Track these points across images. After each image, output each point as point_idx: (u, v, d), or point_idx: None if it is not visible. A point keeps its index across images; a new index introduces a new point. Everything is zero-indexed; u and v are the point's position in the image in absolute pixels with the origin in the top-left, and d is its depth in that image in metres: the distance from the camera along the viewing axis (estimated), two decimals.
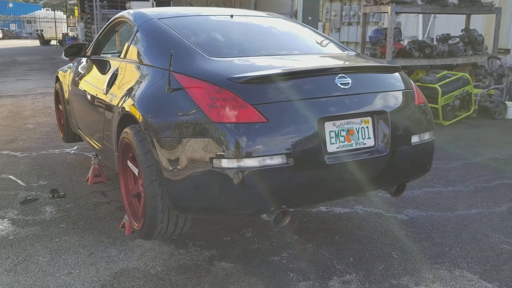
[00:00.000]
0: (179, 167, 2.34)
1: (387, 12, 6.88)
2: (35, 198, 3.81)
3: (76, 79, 4.00)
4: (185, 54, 2.64)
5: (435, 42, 8.21)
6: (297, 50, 3.09)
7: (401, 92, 2.72)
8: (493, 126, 7.07)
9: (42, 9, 43.19)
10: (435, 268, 2.82)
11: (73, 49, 3.89)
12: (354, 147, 2.48)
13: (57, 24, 35.73)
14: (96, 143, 3.58)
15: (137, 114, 2.56)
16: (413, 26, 11.91)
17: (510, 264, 2.88)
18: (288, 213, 2.41)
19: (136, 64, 2.96)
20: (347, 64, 2.79)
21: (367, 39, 7.87)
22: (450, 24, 10.08)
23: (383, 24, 12.36)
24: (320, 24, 15.34)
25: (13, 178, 4.32)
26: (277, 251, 3.00)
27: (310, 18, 16.06)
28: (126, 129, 2.69)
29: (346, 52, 3.20)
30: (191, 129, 2.30)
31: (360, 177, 2.50)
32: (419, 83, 7.25)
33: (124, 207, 3.05)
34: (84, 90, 3.68)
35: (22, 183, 4.18)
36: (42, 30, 34.35)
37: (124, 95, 2.82)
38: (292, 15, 16.64)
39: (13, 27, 43.70)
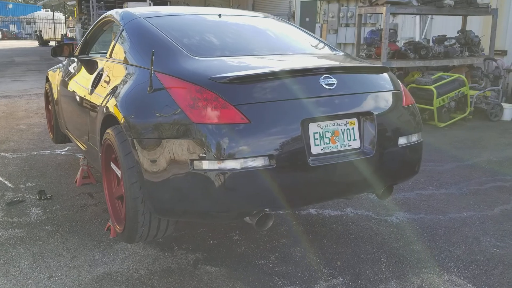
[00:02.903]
0: (159, 169, 2.29)
1: (382, 13, 6.83)
2: (21, 200, 3.77)
3: (65, 79, 3.95)
4: (168, 53, 2.60)
5: (431, 44, 8.17)
6: (284, 50, 3.05)
7: (388, 93, 2.67)
8: (489, 128, 7.02)
9: (42, 10, 43.12)
10: (424, 272, 2.77)
11: (59, 49, 3.84)
12: (339, 148, 2.43)
13: (56, 25, 35.68)
14: (82, 144, 3.53)
15: (119, 115, 2.52)
16: (410, 27, 11.87)
17: (500, 268, 2.83)
18: (271, 217, 2.36)
19: (121, 63, 2.91)
20: (332, 64, 2.74)
21: (362, 41, 7.82)
22: (447, 26, 10.04)
23: (380, 25, 12.31)
24: (317, 25, 15.31)
25: (1, 179, 4.27)
26: (264, 254, 2.95)
27: (307, 19, 16.03)
28: (108, 130, 2.65)
29: (334, 53, 3.15)
30: (171, 130, 2.25)
31: (346, 179, 2.45)
32: (414, 85, 7.22)
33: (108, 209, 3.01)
34: (72, 90, 3.64)
35: (10, 185, 4.14)
36: (41, 31, 34.30)
37: (108, 95, 2.78)
38: (290, 17, 16.61)
39: (12, 28, 43.63)
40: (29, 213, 3.52)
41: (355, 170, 2.44)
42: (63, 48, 3.85)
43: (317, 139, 2.36)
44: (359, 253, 2.99)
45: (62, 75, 4.08)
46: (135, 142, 2.38)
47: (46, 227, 3.28)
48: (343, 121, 2.45)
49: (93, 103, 3.04)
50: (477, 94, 7.49)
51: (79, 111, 3.40)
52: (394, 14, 12.79)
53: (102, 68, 3.15)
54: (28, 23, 42.38)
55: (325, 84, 2.40)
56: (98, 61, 3.37)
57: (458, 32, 8.33)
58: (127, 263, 2.80)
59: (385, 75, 2.77)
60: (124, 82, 2.70)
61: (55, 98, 4.33)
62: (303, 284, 2.62)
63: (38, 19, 40.75)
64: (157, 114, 2.33)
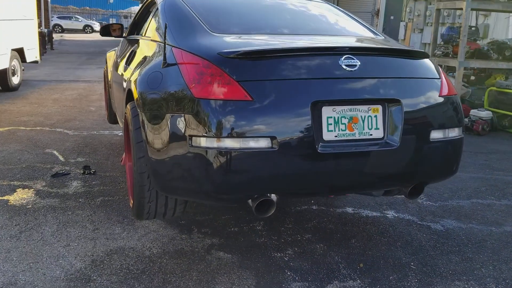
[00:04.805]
0: (161, 144, 2.23)
1: (461, 9, 6.30)
2: (66, 173, 3.92)
3: (115, 60, 4.06)
4: (190, 29, 2.53)
5: None
6: (313, 31, 2.85)
7: (422, 80, 2.39)
8: None
9: (139, 4, 45.69)
10: (456, 285, 2.46)
11: (107, 29, 3.93)
12: (357, 137, 2.21)
13: None
14: (120, 122, 3.59)
15: (135, 90, 2.50)
16: (502, 29, 10.92)
17: None
18: (273, 203, 2.20)
19: (149, 40, 2.90)
20: (358, 45, 2.50)
21: (439, 38, 7.28)
22: None
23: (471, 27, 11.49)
24: (402, 24, 14.62)
25: (55, 153, 4.49)
26: (282, 247, 2.79)
27: (392, 17, 15.37)
28: (127, 105, 2.64)
29: (374, 36, 2.89)
30: (174, 105, 2.17)
31: (363, 172, 2.21)
32: (494, 88, 6.60)
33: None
34: (116, 69, 3.72)
35: (61, 158, 4.33)
36: None
37: (132, 72, 2.78)
38: (374, 14, 16.04)
39: (111, 21, 46.67)
40: (69, 185, 3.65)
41: (375, 162, 2.20)
42: (110, 28, 3.93)
43: (330, 124, 2.15)
44: (387, 257, 2.73)
45: (115, 57, 4.20)
46: (142, 115, 2.34)
47: (80, 199, 3.38)
48: (365, 107, 2.22)
49: (124, 79, 3.07)
50: None
51: (118, 88, 3.46)
52: (485, 15, 11.89)
53: (136, 46, 3.18)
54: (125, 17, 45.03)
55: (345, 65, 2.19)
56: (136, 40, 3.40)
57: None
58: (143, 241, 2.79)
59: (423, 61, 2.48)
60: (146, 58, 2.69)
61: (109, 79, 4.47)
62: (314, 282, 2.44)
63: (135, 13, 43.17)
64: (164, 89, 2.27)
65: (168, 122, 2.18)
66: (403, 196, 3.58)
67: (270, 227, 3.05)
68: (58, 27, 34.24)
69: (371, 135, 2.24)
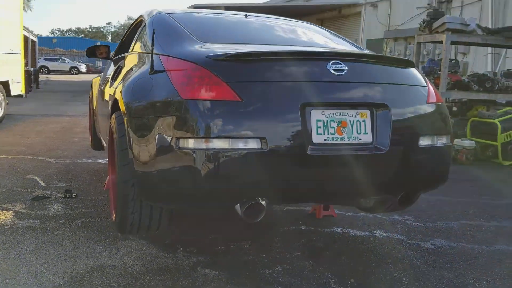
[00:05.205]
0: (146, 149, 2.17)
1: (441, 41, 6.49)
2: (47, 196, 3.80)
3: (100, 82, 4.04)
4: (177, 39, 2.53)
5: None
6: (301, 43, 2.88)
7: (409, 86, 2.40)
8: None
9: None
10: None
11: (93, 50, 3.89)
12: (346, 141, 2.19)
13: None
14: (104, 140, 3.53)
15: (120, 98, 2.46)
16: (481, 66, 11.27)
17: None
18: (262, 208, 2.14)
19: (136, 54, 2.90)
20: (345, 51, 2.53)
21: (421, 70, 7.45)
22: None
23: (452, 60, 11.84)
24: None
25: (36, 178, 4.38)
26: (271, 264, 2.70)
27: None
28: (113, 115, 2.60)
29: (359, 50, 2.93)
30: (160, 107, 2.14)
31: (353, 176, 2.18)
32: (476, 118, 6.71)
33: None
34: (101, 89, 3.69)
35: (42, 183, 4.22)
36: None
37: (119, 83, 2.75)
38: None
39: (98, 63, 47.03)
40: (49, 208, 3.53)
41: (364, 167, 2.17)
42: (96, 50, 3.88)
43: (320, 127, 2.13)
44: (378, 274, 2.66)
45: (100, 79, 4.18)
46: (126, 121, 2.30)
47: (60, 221, 3.26)
48: (353, 111, 2.21)
49: (109, 94, 3.04)
50: None
51: (104, 104, 3.41)
52: (464, 53, 12.26)
53: (123, 62, 3.17)
54: None
55: (333, 70, 2.20)
56: (122, 57, 3.39)
57: None
58: (125, 259, 2.67)
59: (409, 70, 2.51)
60: (133, 69, 2.67)
61: (93, 103, 4.43)
62: None
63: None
64: (150, 93, 2.25)
65: (154, 125, 2.14)
66: (392, 215, 3.57)
67: (258, 246, 2.96)
68: (44, 69, 34.36)
69: (360, 139, 2.22)
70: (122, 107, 2.41)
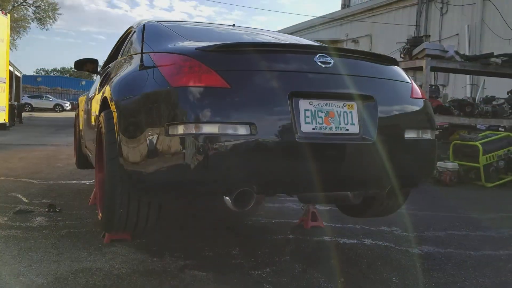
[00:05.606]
0: (135, 140, 2.17)
1: (422, 68, 6.68)
2: (30, 211, 3.73)
3: (87, 97, 4.04)
4: (166, 38, 2.59)
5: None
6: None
7: (394, 81, 2.47)
8: None
9: None
10: None
11: (81, 63, 3.86)
12: (334, 131, 2.22)
13: None
14: (90, 152, 3.51)
15: (109, 93, 2.48)
16: (460, 97, 11.57)
17: None
18: (252, 195, 2.13)
19: (125, 57, 2.93)
20: (331, 46, 2.60)
21: None
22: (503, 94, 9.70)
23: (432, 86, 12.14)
24: None
25: (19, 196, 4.30)
26: (259, 267, 2.67)
27: None
28: (101, 113, 2.60)
29: None
30: (150, 97, 2.16)
31: (341, 166, 2.20)
32: (458, 141, 6.84)
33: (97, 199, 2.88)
34: (88, 102, 3.70)
35: (25, 200, 4.14)
36: None
37: (107, 84, 2.77)
38: None
39: None
40: (33, 220, 3.46)
41: (352, 157, 2.20)
42: (84, 63, 3.86)
43: (308, 117, 2.17)
44: (368, 274, 2.64)
45: (86, 96, 4.19)
46: (115, 114, 2.31)
47: (44, 231, 3.18)
48: (340, 103, 2.26)
49: (97, 100, 3.05)
50: None
51: (91, 115, 3.41)
52: (443, 85, 12.59)
53: (111, 68, 3.20)
54: None
55: (320, 62, 2.26)
56: (110, 66, 3.42)
57: (507, 93, 7.97)
58: (111, 263, 2.61)
59: (393, 67, 2.58)
60: (123, 69, 2.70)
61: (79, 120, 4.42)
62: None
63: None
64: (139, 87, 2.28)
65: (144, 115, 2.15)
66: (379, 226, 3.49)
67: (246, 252, 2.93)
68: (28, 106, 34.15)
69: (348, 130, 2.26)
70: (111, 102, 2.42)
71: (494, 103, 7.52)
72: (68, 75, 75.14)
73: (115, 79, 2.58)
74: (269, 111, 2.10)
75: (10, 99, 14.70)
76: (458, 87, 11.85)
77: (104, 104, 2.67)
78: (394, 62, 2.62)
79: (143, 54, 2.43)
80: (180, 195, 2.36)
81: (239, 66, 2.15)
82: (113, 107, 2.41)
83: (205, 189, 2.16)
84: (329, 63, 2.28)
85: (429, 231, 3.71)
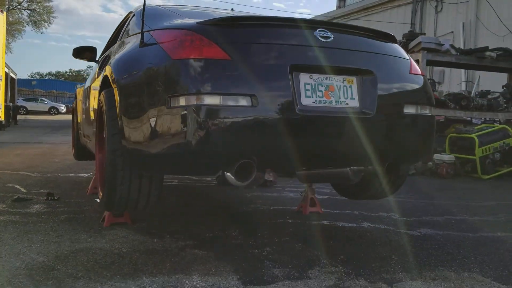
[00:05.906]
0: (137, 115, 2.18)
1: (418, 60, 6.71)
2: (28, 199, 3.72)
3: (85, 87, 4.04)
4: (167, 17, 2.60)
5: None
6: None
7: (393, 57, 2.49)
8: None
9: None
10: (440, 270, 2.40)
11: (79, 51, 3.83)
12: (334, 105, 2.23)
13: None
14: (88, 139, 3.50)
15: (109, 71, 2.48)
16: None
17: None
18: (253, 167, 2.14)
19: (125, 38, 2.94)
20: (330, 21, 2.62)
21: None
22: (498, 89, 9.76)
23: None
24: None
25: (17, 186, 4.29)
26: (260, 246, 2.68)
27: None
28: (102, 92, 2.61)
29: None
30: (151, 71, 2.17)
31: (341, 139, 2.21)
32: (454, 134, 6.88)
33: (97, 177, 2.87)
34: (86, 90, 3.69)
35: (23, 190, 4.13)
36: None
37: (107, 66, 2.77)
38: None
39: None
40: (31, 207, 3.45)
41: (352, 129, 2.21)
42: (83, 51, 3.83)
43: (308, 90, 2.18)
44: (368, 252, 2.65)
45: (84, 86, 4.18)
46: (116, 90, 2.31)
47: (43, 216, 3.18)
48: (340, 77, 2.27)
49: (95, 88, 3.05)
50: None
51: (92, 96, 3.39)
52: (439, 82, 12.65)
53: (111, 50, 3.20)
54: None
55: (320, 37, 2.27)
56: (111, 50, 3.42)
57: (503, 88, 8.01)
58: (111, 243, 2.61)
59: (391, 43, 2.60)
60: (123, 48, 2.70)
61: (78, 110, 4.41)
62: (296, 268, 2.32)
63: None
64: (141, 62, 2.29)
65: (146, 89, 2.16)
66: (378, 212, 3.41)
67: (246, 233, 2.94)
68: (22, 109, 33.99)
69: (347, 104, 2.27)
70: (111, 80, 2.43)
71: (489, 96, 7.57)
72: (63, 79, 74.88)
73: (116, 57, 2.58)
74: (270, 83, 2.11)
75: (5, 100, 14.65)
76: (453, 84, 11.92)
77: (105, 83, 2.68)
78: (393, 39, 2.64)
79: (143, 33, 2.44)
80: (182, 168, 2.33)
81: (240, 39, 2.16)
82: (114, 85, 2.42)
83: (206, 161, 2.17)
84: (329, 37, 2.29)
85: (427, 216, 3.73)
